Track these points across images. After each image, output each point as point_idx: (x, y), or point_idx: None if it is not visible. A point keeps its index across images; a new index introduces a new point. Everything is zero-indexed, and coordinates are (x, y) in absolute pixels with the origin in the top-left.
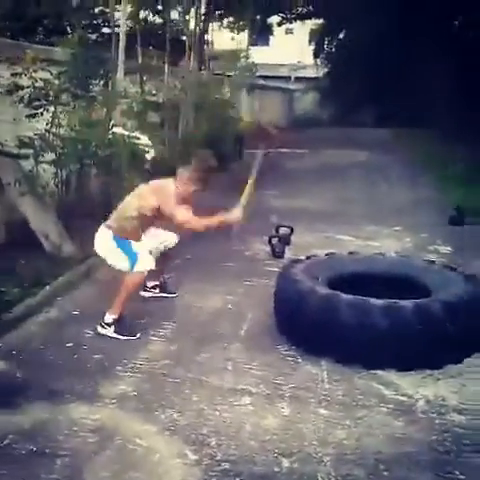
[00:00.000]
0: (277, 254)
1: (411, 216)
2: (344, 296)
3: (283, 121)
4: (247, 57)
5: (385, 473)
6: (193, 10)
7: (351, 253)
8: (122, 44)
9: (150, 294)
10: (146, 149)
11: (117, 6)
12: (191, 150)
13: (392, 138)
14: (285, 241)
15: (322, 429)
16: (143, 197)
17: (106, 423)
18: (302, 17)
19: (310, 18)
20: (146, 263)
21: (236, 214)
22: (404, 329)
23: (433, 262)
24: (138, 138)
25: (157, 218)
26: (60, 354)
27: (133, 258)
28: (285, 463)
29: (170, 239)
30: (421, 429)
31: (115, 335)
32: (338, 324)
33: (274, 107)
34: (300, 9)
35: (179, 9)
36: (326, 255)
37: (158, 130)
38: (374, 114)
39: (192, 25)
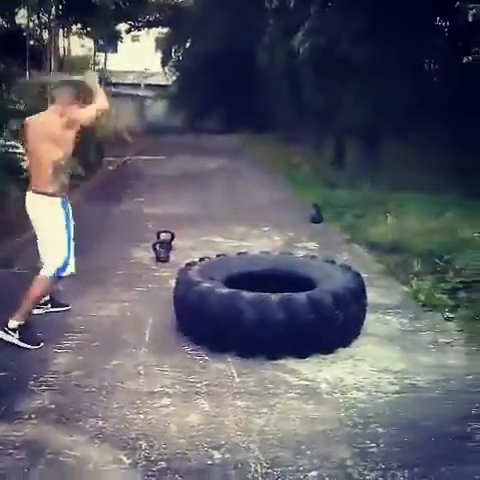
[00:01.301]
0: (162, 259)
1: (273, 216)
2: (244, 293)
3: (136, 128)
4: (96, 63)
5: (308, 452)
6: (44, 16)
7: (240, 253)
8: None
9: (40, 311)
10: (23, 158)
11: None
12: None
13: (241, 143)
14: (168, 246)
15: (242, 419)
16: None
17: (32, 438)
18: (150, 25)
19: (158, 26)
20: (73, 267)
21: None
22: (299, 319)
23: (314, 257)
24: (16, 147)
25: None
26: None
27: (68, 259)
28: (216, 455)
29: None
30: (329, 408)
31: (19, 343)
32: (239, 320)
33: (126, 114)
34: (148, 17)
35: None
36: (217, 256)
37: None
38: (223, 121)
39: (46, 32)
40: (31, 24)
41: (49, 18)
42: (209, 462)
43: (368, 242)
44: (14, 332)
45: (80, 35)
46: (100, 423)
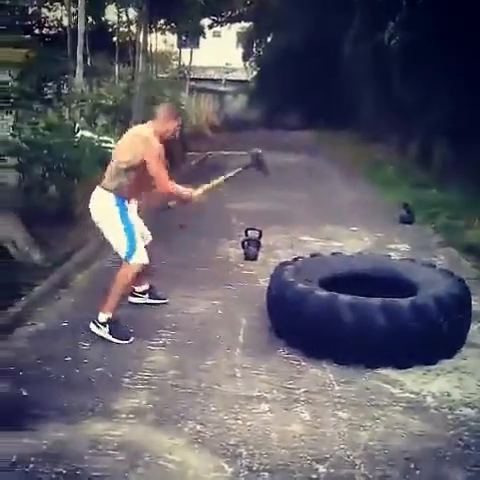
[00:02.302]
0: (251, 257)
1: (359, 216)
2: (343, 297)
3: (216, 123)
4: (178, 59)
5: (417, 472)
6: (134, 11)
7: (334, 253)
8: (80, 44)
9: (139, 300)
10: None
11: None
12: None
13: (321, 140)
14: (257, 244)
15: (346, 432)
16: (129, 148)
17: (130, 439)
18: (232, 20)
19: (240, 21)
20: (143, 255)
21: (195, 194)
22: (402, 327)
23: (412, 260)
24: (108, 141)
25: (144, 174)
26: (60, 369)
27: (132, 245)
28: (321, 469)
29: (147, 234)
30: (438, 425)
31: (109, 336)
32: (338, 325)
33: (207, 109)
34: (230, 12)
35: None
36: (311, 256)
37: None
38: (302, 117)
39: (133, 27)
40: (119, 20)
41: (140, 13)
42: (313, 476)
43: (464, 246)
44: (104, 326)
45: (163, 30)
46: (199, 427)
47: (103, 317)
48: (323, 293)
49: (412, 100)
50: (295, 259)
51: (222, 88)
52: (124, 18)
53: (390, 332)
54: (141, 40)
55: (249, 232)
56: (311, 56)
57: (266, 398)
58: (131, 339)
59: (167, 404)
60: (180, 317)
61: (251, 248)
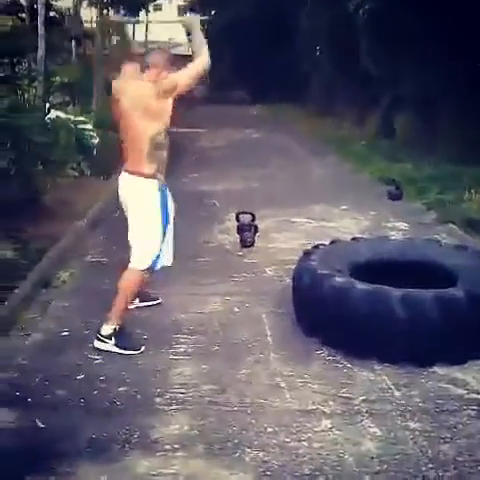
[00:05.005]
0: (248, 244)
1: (344, 193)
2: (392, 290)
3: None
4: (120, 34)
5: None
6: None
7: (354, 239)
8: (41, 15)
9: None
10: (92, 134)
11: None
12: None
13: (270, 115)
14: (254, 229)
15: (426, 446)
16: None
17: (188, 477)
18: None
19: None
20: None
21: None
22: (458, 320)
23: (437, 241)
24: (84, 122)
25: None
26: (74, 391)
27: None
28: None
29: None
30: None
31: (116, 350)
32: (389, 321)
33: None
34: None
35: None
36: (331, 243)
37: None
38: (248, 91)
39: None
40: None
41: None
42: None
43: (463, 221)
44: (109, 339)
45: (106, 4)
46: (261, 455)
47: (107, 329)
48: (368, 287)
49: (380, 72)
50: (316, 247)
51: None
52: None
53: (444, 326)
54: (95, 15)
55: (241, 216)
56: (260, 28)
57: (324, 412)
58: (142, 348)
59: (214, 428)
60: (195, 318)
61: (247, 234)
